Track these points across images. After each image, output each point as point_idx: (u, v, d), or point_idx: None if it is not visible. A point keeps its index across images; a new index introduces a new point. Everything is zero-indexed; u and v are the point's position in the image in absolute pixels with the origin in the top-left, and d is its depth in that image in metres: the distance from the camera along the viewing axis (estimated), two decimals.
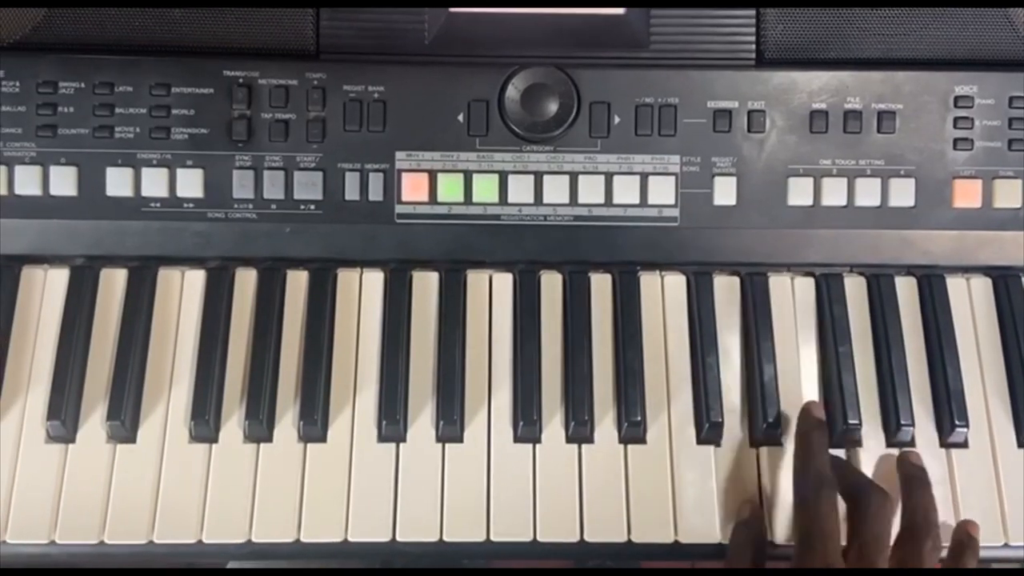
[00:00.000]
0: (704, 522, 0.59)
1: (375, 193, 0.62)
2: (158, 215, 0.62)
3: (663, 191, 0.63)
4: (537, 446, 0.60)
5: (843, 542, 0.55)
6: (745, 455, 0.61)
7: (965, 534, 0.58)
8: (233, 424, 0.60)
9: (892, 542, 0.55)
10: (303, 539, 0.58)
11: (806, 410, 0.60)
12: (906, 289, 0.64)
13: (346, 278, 0.64)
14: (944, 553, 0.57)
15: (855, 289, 0.64)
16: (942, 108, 0.63)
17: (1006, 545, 0.59)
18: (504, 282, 0.64)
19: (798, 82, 0.63)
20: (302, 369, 0.61)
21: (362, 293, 0.63)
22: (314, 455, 0.60)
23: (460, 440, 0.60)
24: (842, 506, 0.57)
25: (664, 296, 0.64)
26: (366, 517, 0.58)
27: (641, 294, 0.64)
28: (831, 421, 0.61)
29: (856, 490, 0.57)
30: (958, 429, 0.60)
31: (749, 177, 0.63)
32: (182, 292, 0.63)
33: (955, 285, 0.64)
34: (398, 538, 0.58)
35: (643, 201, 0.63)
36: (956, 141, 0.63)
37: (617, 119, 0.63)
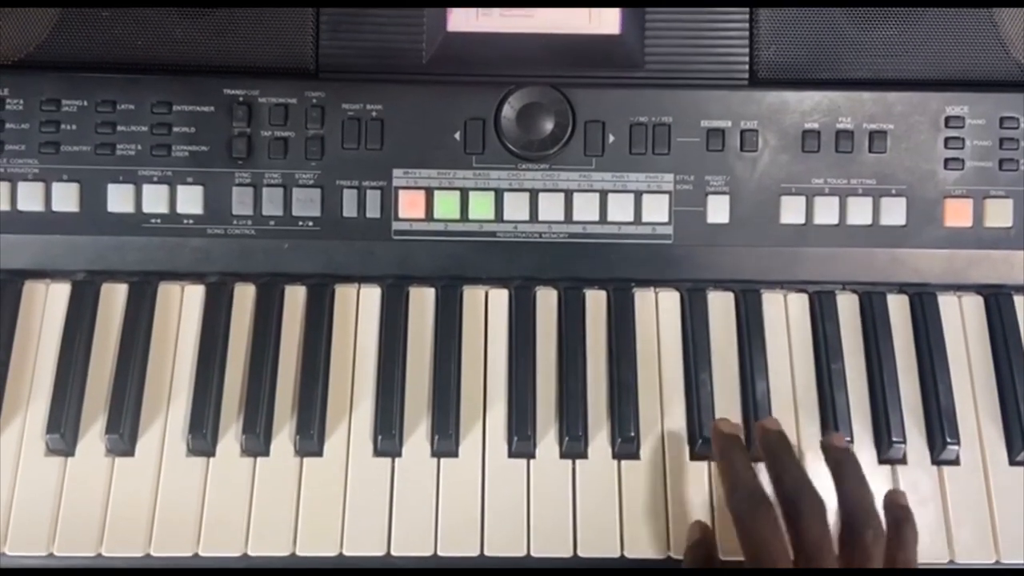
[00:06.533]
0: None
1: (372, 210, 0.63)
2: (158, 231, 0.63)
3: (657, 209, 0.63)
4: (531, 461, 0.61)
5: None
6: None
7: (898, 507, 0.57)
8: (230, 438, 0.61)
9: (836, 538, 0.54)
10: (299, 553, 0.58)
11: (717, 428, 0.59)
12: (898, 307, 0.65)
13: (343, 294, 0.64)
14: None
15: (847, 306, 0.65)
16: (933, 128, 0.64)
17: (998, 563, 0.59)
18: (500, 298, 0.65)
19: (790, 102, 0.64)
20: (299, 384, 0.62)
21: (359, 309, 0.64)
22: (310, 469, 0.60)
23: (455, 455, 0.61)
24: None
25: (658, 313, 0.65)
26: (361, 531, 0.59)
27: (635, 311, 0.64)
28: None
29: (789, 494, 0.55)
30: (949, 446, 0.61)
31: (742, 195, 0.64)
32: (181, 307, 0.64)
33: (947, 303, 0.65)
34: (393, 552, 0.58)
35: (637, 219, 0.64)
36: (947, 161, 0.64)
37: (612, 138, 0.63)
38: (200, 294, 0.64)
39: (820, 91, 0.64)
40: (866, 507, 0.55)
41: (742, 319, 0.64)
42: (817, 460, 0.61)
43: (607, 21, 0.65)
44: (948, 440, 0.61)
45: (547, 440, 0.61)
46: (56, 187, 0.62)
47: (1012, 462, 0.61)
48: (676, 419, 0.62)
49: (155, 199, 0.63)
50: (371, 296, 0.64)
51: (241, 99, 0.63)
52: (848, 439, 0.61)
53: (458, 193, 0.63)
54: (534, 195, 0.63)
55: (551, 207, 0.63)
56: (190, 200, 0.63)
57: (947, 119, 0.63)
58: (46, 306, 0.63)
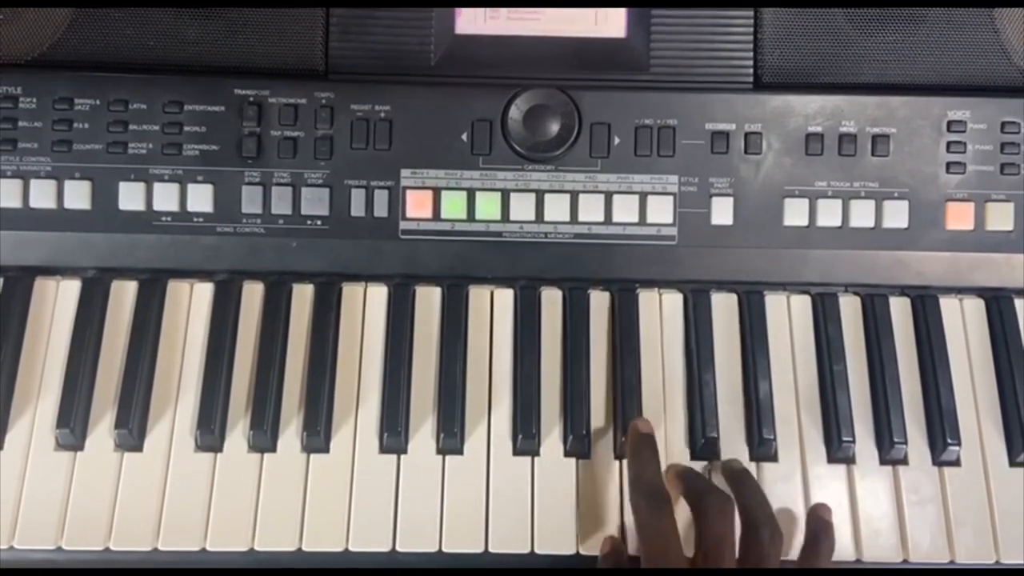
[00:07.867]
0: None
1: (380, 209, 0.64)
2: (169, 229, 0.64)
3: (662, 210, 0.64)
4: (536, 459, 0.61)
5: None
6: None
7: (819, 519, 0.59)
8: (238, 434, 0.61)
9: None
10: (305, 548, 0.59)
11: (634, 427, 0.60)
12: (900, 309, 0.65)
13: (351, 292, 0.65)
14: (801, 539, 0.59)
15: (850, 308, 0.65)
16: (935, 132, 0.64)
17: (998, 563, 0.60)
18: (505, 298, 0.65)
19: (794, 105, 0.64)
20: (306, 381, 0.62)
21: (366, 307, 0.65)
22: (317, 466, 0.61)
23: (460, 452, 0.61)
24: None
25: (662, 313, 0.65)
26: (367, 527, 0.59)
27: (639, 311, 0.65)
28: (827, 438, 0.62)
29: (696, 494, 0.57)
30: (950, 447, 0.61)
31: (746, 197, 0.64)
32: (190, 304, 0.64)
33: (948, 306, 0.65)
34: (398, 548, 0.59)
35: (642, 220, 0.64)
36: (949, 164, 0.64)
37: (617, 140, 0.64)
38: (209, 292, 0.65)
39: (823, 95, 0.64)
40: (764, 509, 0.56)
41: (745, 320, 0.65)
42: (819, 460, 0.62)
43: (613, 24, 0.66)
44: (949, 441, 0.61)
45: (551, 438, 0.62)
46: (68, 185, 0.63)
47: (1012, 463, 0.62)
48: (678, 419, 0.63)
49: (166, 197, 0.63)
50: (378, 295, 0.65)
51: (251, 99, 0.64)
52: (850, 440, 0.61)
53: (465, 193, 0.64)
54: (540, 196, 0.64)
55: (557, 208, 0.64)
56: (200, 198, 0.63)
57: (949, 123, 0.64)
58: (56, 303, 0.64)
